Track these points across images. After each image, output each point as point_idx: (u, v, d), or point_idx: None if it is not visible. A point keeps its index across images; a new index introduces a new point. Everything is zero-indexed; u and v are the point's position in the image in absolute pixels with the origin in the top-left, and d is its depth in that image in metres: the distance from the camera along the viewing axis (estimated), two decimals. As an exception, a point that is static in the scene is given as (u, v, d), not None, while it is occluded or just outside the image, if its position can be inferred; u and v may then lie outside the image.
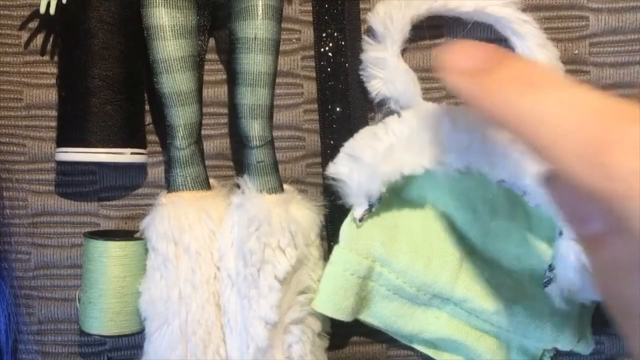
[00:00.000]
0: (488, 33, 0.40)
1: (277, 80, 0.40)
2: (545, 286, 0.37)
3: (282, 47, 0.41)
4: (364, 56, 0.38)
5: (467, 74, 0.26)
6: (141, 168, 0.41)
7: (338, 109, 0.40)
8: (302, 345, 0.37)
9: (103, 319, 0.37)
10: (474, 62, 0.26)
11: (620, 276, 0.23)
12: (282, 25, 0.40)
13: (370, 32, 0.38)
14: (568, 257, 0.35)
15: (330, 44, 0.40)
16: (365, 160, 0.36)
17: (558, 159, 0.22)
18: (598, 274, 0.25)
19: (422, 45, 0.41)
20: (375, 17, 0.38)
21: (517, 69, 0.25)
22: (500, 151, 0.35)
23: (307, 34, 0.41)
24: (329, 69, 0.40)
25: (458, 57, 0.26)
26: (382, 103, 0.40)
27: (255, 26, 0.36)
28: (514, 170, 0.35)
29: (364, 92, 0.40)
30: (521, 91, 0.24)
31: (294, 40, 0.41)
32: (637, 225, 0.20)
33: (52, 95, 0.41)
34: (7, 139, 0.41)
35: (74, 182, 0.41)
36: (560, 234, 0.35)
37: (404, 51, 0.39)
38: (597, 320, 0.41)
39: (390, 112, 0.38)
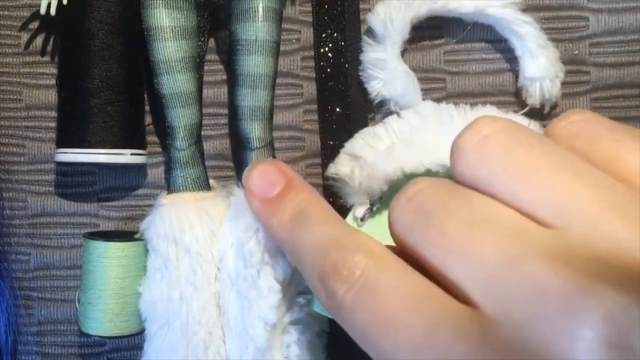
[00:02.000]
0: (488, 34, 0.40)
1: (277, 81, 0.40)
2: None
3: (282, 47, 0.41)
4: (363, 57, 0.38)
5: (257, 199, 0.31)
6: (141, 169, 0.41)
7: (338, 110, 0.40)
8: (301, 345, 0.37)
9: (102, 320, 0.37)
10: (264, 188, 0.31)
11: None
12: (282, 26, 0.40)
13: (370, 32, 0.38)
14: None
15: (330, 45, 0.40)
16: (367, 160, 0.36)
17: (307, 278, 0.27)
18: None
19: (422, 46, 0.41)
20: (375, 18, 0.38)
21: (293, 204, 0.30)
22: None
23: (307, 35, 0.41)
24: (328, 70, 0.40)
25: (253, 180, 0.31)
26: (382, 104, 0.40)
27: (255, 28, 0.36)
28: None
29: (364, 92, 0.40)
30: (289, 227, 0.29)
31: (294, 40, 0.41)
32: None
33: (52, 96, 0.41)
34: (7, 140, 0.41)
35: (74, 182, 0.41)
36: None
37: (403, 52, 0.39)
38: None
39: (390, 113, 0.38)
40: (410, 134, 0.36)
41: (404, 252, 0.24)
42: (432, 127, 0.36)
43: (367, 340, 0.24)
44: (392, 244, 0.37)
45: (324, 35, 0.40)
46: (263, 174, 0.31)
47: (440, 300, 0.22)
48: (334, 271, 0.25)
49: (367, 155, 0.36)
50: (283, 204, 0.30)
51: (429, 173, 0.36)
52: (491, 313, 0.20)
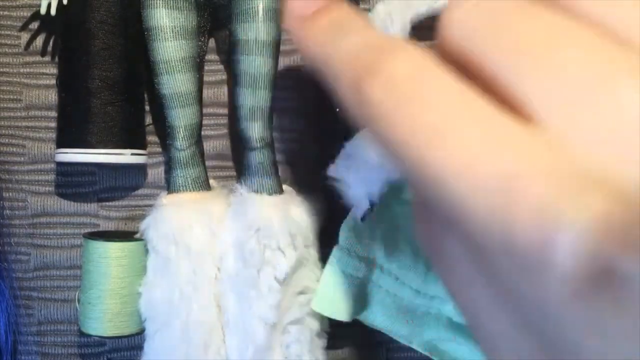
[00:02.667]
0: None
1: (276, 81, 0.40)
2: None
3: (282, 47, 0.41)
4: None
5: (296, 18, 0.27)
6: (141, 169, 0.41)
7: (337, 110, 0.40)
8: (300, 345, 0.37)
9: (102, 320, 0.37)
10: (303, 8, 0.27)
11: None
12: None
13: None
14: None
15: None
16: (367, 160, 0.36)
17: (339, 90, 0.23)
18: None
19: (423, 46, 0.40)
20: (376, 18, 0.38)
21: (330, 17, 0.26)
22: None
23: (307, 35, 0.41)
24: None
25: (296, 3, 0.27)
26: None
27: (255, 28, 0.36)
28: None
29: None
30: (324, 39, 0.25)
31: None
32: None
33: (52, 96, 0.41)
34: (7, 140, 0.41)
35: (74, 182, 0.41)
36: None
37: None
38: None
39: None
40: None
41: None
42: None
43: (406, 150, 0.21)
44: (392, 246, 0.37)
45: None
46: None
47: (497, 111, 0.19)
48: (370, 74, 0.22)
49: (366, 156, 0.36)
50: (319, 18, 0.27)
51: None
52: (560, 131, 0.18)
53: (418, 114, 0.20)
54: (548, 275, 0.17)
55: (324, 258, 0.40)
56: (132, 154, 0.38)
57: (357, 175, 0.36)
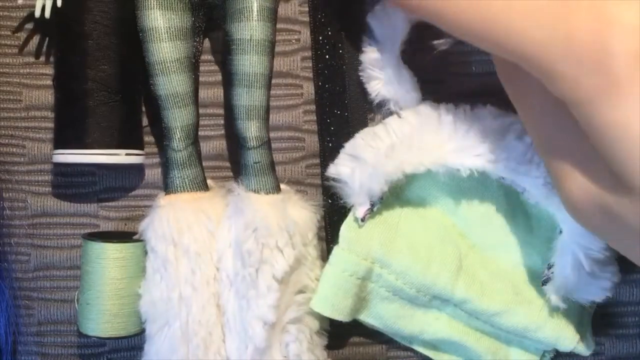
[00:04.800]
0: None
1: (276, 81, 0.40)
2: (543, 284, 0.37)
3: (281, 48, 0.41)
4: (363, 57, 0.38)
5: None
6: (141, 169, 0.41)
7: (336, 112, 0.40)
8: (299, 344, 0.37)
9: (100, 321, 0.37)
10: None
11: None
12: (282, 26, 0.40)
13: (369, 33, 0.38)
14: (566, 256, 0.35)
15: (327, 47, 0.40)
16: (367, 160, 0.36)
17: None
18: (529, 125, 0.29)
19: (422, 46, 0.40)
20: (375, 18, 0.38)
21: None
22: (500, 149, 0.35)
23: (307, 35, 0.41)
24: (326, 72, 0.40)
25: None
26: (382, 104, 0.39)
27: (250, 27, 0.36)
28: (514, 168, 0.35)
29: (363, 93, 0.39)
30: None
31: (294, 40, 0.41)
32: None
33: (52, 97, 0.41)
34: (7, 140, 0.41)
35: (74, 183, 0.41)
36: (560, 232, 0.35)
37: (403, 52, 0.38)
38: (597, 321, 0.41)
39: (390, 113, 0.38)
40: (411, 134, 0.36)
41: None
42: (432, 128, 0.36)
43: (469, 10, 0.24)
44: (392, 247, 0.37)
45: (320, 37, 0.40)
46: None
47: None
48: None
49: (367, 156, 0.36)
50: None
51: (429, 173, 0.36)
52: None
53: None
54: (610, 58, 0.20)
55: (323, 257, 0.40)
56: (127, 154, 0.38)
57: (357, 176, 0.36)
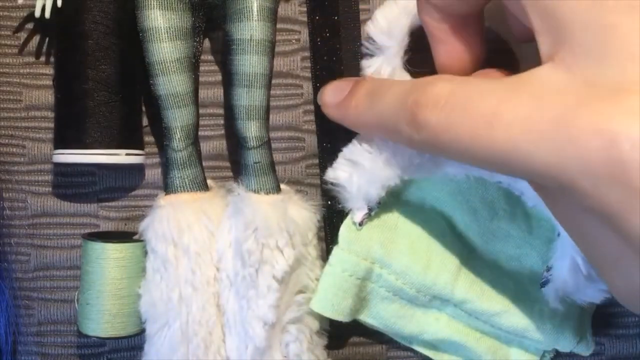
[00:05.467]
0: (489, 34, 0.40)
1: (276, 81, 0.40)
2: (542, 286, 0.37)
3: (281, 48, 0.41)
4: (363, 64, 0.38)
5: (334, 106, 0.35)
6: (141, 169, 0.41)
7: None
8: (299, 344, 0.37)
9: (100, 321, 0.37)
10: (336, 95, 0.35)
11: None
12: (282, 26, 0.40)
13: (369, 38, 0.38)
14: (564, 259, 0.35)
15: (325, 48, 0.40)
16: (365, 165, 0.36)
17: (399, 134, 0.29)
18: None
19: (422, 52, 0.40)
20: (375, 26, 0.37)
21: (361, 91, 0.33)
22: None
23: (307, 35, 0.41)
24: (324, 73, 0.40)
25: (327, 94, 0.35)
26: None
27: (250, 27, 0.36)
28: None
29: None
30: (366, 106, 0.32)
31: (294, 41, 0.41)
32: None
33: (52, 97, 0.41)
34: (7, 140, 0.41)
35: (74, 183, 0.41)
36: (559, 234, 0.35)
37: (403, 58, 0.38)
38: (597, 321, 0.41)
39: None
40: None
41: None
42: None
43: (475, 144, 0.25)
44: (392, 247, 0.37)
45: (318, 39, 0.40)
46: (333, 85, 0.35)
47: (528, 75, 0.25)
48: (419, 106, 0.27)
49: (365, 161, 0.36)
50: (355, 93, 0.33)
51: (423, 185, 0.36)
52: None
53: (470, 117, 0.25)
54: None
55: (323, 257, 0.40)
56: (127, 154, 0.38)
57: (355, 181, 0.36)
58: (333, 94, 0.35)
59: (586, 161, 0.22)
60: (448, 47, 0.32)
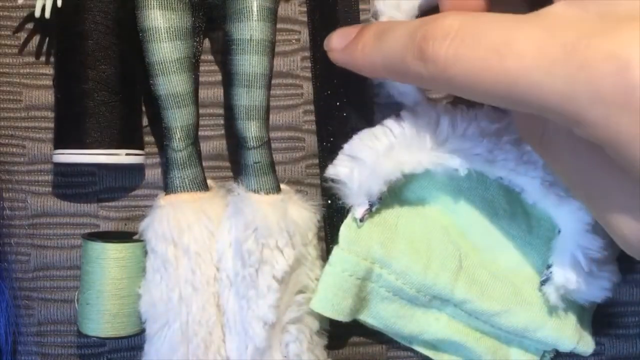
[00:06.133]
0: None
1: (276, 81, 0.40)
2: (542, 285, 0.37)
3: (281, 48, 0.41)
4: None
5: (340, 50, 0.34)
6: (141, 169, 0.41)
7: (335, 113, 0.40)
8: (299, 344, 0.37)
9: (100, 321, 0.37)
10: (343, 39, 0.34)
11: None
12: (282, 26, 0.40)
13: (377, 13, 0.38)
14: (564, 255, 0.35)
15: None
16: (366, 160, 0.36)
17: (406, 71, 0.29)
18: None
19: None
20: (382, 4, 0.37)
21: (369, 32, 0.32)
22: (497, 150, 0.35)
23: (307, 35, 0.41)
24: (324, 73, 0.40)
25: (333, 39, 0.35)
26: (384, 102, 0.39)
27: (250, 27, 0.36)
28: (512, 168, 0.35)
29: (361, 94, 0.39)
30: (373, 45, 0.32)
31: (294, 40, 0.41)
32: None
33: (52, 97, 0.41)
34: (7, 140, 0.41)
35: (74, 183, 0.41)
36: (559, 231, 0.35)
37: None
38: (597, 321, 0.41)
39: (390, 113, 0.38)
40: (409, 134, 0.36)
41: None
42: (431, 128, 0.36)
43: (484, 75, 0.25)
44: (392, 247, 0.37)
45: (319, 39, 0.40)
46: (340, 31, 0.35)
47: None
48: (428, 39, 0.27)
49: (366, 156, 0.36)
50: (362, 35, 0.33)
51: (428, 173, 0.36)
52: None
53: (481, 48, 0.25)
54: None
55: (323, 257, 0.40)
56: (127, 154, 0.38)
57: (356, 177, 0.36)
58: (339, 38, 0.34)
59: (597, 87, 0.22)
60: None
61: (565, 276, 0.35)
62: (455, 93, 0.29)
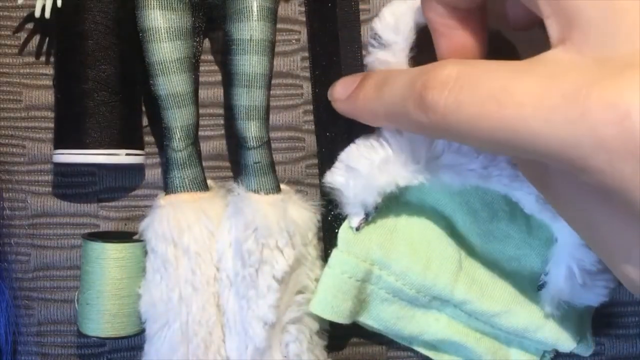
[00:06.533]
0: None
1: (276, 81, 0.40)
2: (539, 289, 0.37)
3: (281, 48, 0.41)
4: (367, 59, 0.38)
5: (343, 101, 0.35)
6: (141, 169, 0.41)
7: (333, 117, 0.40)
8: (299, 344, 0.37)
9: (100, 321, 0.37)
10: (345, 89, 0.35)
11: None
12: (282, 26, 0.40)
13: (375, 35, 0.38)
14: (560, 266, 0.35)
15: (325, 49, 0.40)
16: (361, 171, 0.35)
17: (407, 119, 0.29)
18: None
19: (427, 51, 0.40)
20: (381, 22, 0.37)
21: (369, 83, 0.33)
22: (492, 167, 0.35)
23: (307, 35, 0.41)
24: (323, 78, 0.40)
25: (336, 90, 0.36)
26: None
27: (250, 27, 0.36)
28: (506, 184, 0.35)
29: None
30: (374, 95, 0.33)
31: (294, 41, 0.41)
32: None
33: (52, 97, 0.41)
34: (7, 140, 0.41)
35: (74, 183, 0.41)
36: (556, 240, 0.35)
37: (408, 55, 0.38)
38: (597, 321, 0.41)
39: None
40: (405, 147, 0.35)
41: None
42: (427, 140, 0.36)
43: (484, 124, 0.25)
44: (391, 248, 0.37)
45: (317, 40, 0.40)
46: (342, 81, 0.36)
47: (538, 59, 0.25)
48: (427, 88, 0.27)
49: (362, 167, 0.36)
50: (363, 85, 0.34)
51: (422, 186, 0.36)
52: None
53: (480, 96, 0.25)
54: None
55: (323, 257, 0.40)
56: (127, 154, 0.38)
57: (351, 186, 0.36)
58: (342, 89, 0.35)
59: (599, 135, 0.22)
60: (452, 41, 0.32)
61: (560, 286, 0.35)
62: (456, 141, 0.29)
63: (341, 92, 0.35)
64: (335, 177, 0.36)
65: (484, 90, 0.25)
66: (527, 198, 0.35)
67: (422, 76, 0.28)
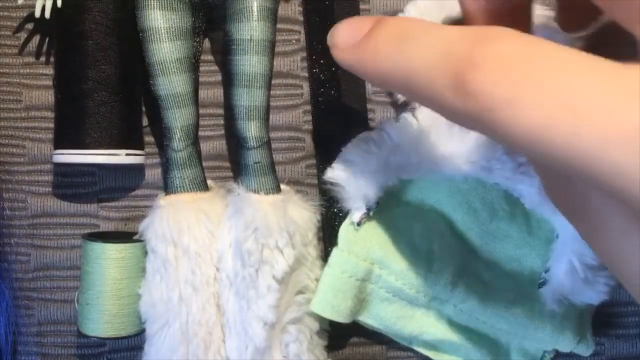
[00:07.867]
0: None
1: (276, 81, 0.40)
2: (540, 287, 0.37)
3: (281, 48, 0.41)
4: None
5: (347, 49, 0.26)
6: (141, 169, 0.41)
7: (332, 115, 0.40)
8: (299, 344, 0.37)
9: (100, 321, 0.37)
10: (352, 34, 0.26)
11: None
12: (282, 26, 0.40)
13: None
14: (561, 261, 0.35)
15: (322, 51, 0.40)
16: (363, 165, 0.36)
17: (433, 97, 0.21)
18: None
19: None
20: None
21: (387, 32, 0.24)
22: (494, 160, 0.35)
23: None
24: (321, 76, 0.40)
25: (340, 33, 0.26)
26: (383, 102, 0.39)
27: (250, 27, 0.36)
28: (508, 177, 0.35)
29: (359, 97, 0.39)
30: (391, 50, 0.23)
31: (294, 41, 0.41)
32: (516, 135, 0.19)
33: (52, 97, 0.41)
34: (7, 140, 0.41)
35: (74, 183, 0.41)
36: (557, 236, 0.35)
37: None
38: (597, 321, 0.41)
39: (391, 112, 0.38)
40: (406, 140, 0.36)
41: None
42: (428, 133, 0.36)
43: (548, 138, 0.19)
44: (391, 248, 0.37)
45: (315, 42, 0.40)
46: (348, 23, 0.26)
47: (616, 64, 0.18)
48: (472, 65, 0.20)
49: (364, 162, 0.36)
50: (377, 34, 0.25)
51: (423, 186, 0.36)
52: None
53: (557, 82, 0.19)
54: None
55: (323, 257, 0.40)
56: (127, 154, 0.38)
57: (353, 181, 0.36)
58: (347, 33, 0.26)
59: None
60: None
61: (561, 281, 0.35)
62: (500, 142, 0.23)
63: (346, 37, 0.26)
64: (337, 172, 0.36)
65: (557, 91, 0.19)
66: (529, 190, 0.35)
67: (463, 44, 0.20)
